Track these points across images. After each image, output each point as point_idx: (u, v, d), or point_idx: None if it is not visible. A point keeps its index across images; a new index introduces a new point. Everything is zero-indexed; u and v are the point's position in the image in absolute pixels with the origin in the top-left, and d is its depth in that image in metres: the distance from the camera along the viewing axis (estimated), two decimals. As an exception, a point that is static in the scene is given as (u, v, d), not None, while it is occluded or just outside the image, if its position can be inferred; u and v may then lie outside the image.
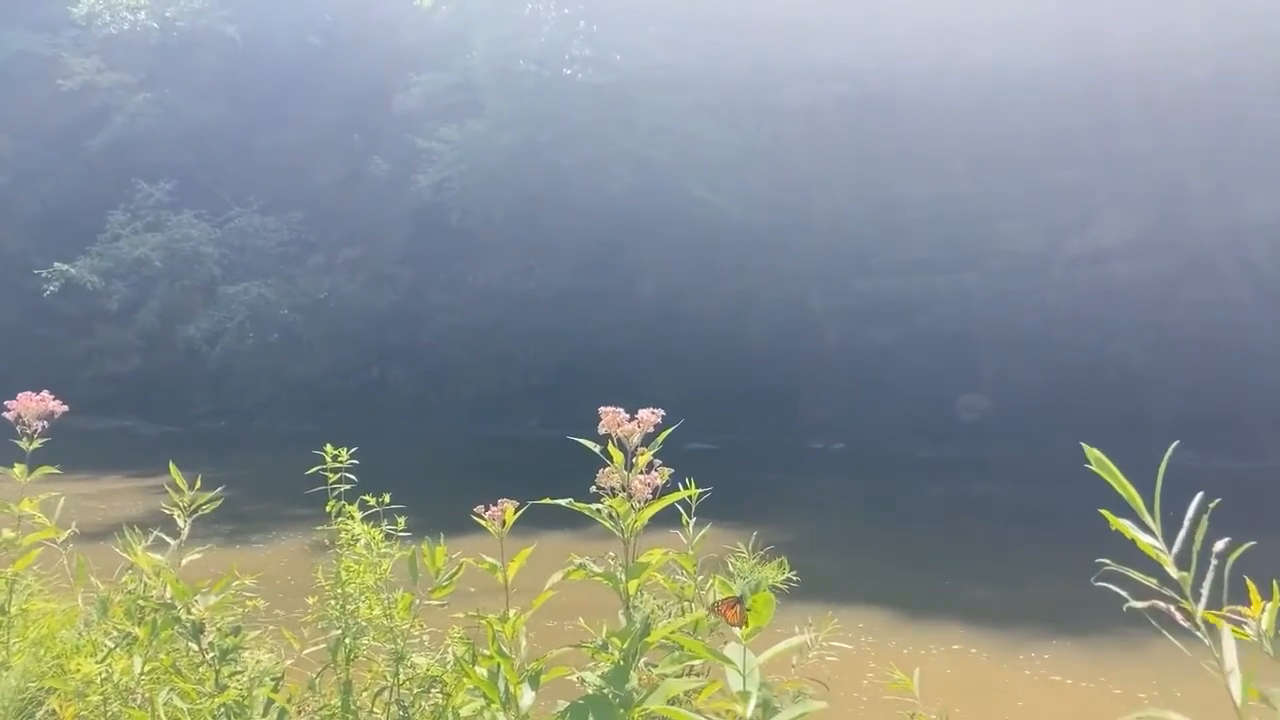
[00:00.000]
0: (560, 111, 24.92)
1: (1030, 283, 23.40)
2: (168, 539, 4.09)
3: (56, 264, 29.95)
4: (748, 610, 1.98)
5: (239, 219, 32.69)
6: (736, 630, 2.01)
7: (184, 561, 4.06)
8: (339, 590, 2.67)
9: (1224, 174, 20.99)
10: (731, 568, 3.46)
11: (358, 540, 2.70)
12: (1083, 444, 1.82)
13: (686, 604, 3.24)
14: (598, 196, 25.39)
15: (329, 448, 3.12)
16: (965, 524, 15.68)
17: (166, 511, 3.98)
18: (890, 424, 23.28)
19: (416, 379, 30.22)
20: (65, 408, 4.60)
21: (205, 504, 3.92)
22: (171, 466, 4.03)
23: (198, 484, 3.97)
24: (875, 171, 23.50)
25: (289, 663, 3.21)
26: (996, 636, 9.46)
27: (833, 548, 13.01)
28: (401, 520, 2.88)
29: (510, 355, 28.38)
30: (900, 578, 11.82)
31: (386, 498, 2.91)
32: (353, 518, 2.80)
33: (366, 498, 2.89)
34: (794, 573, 3.42)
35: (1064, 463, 17.20)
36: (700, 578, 3.35)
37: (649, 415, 2.43)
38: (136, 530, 4.17)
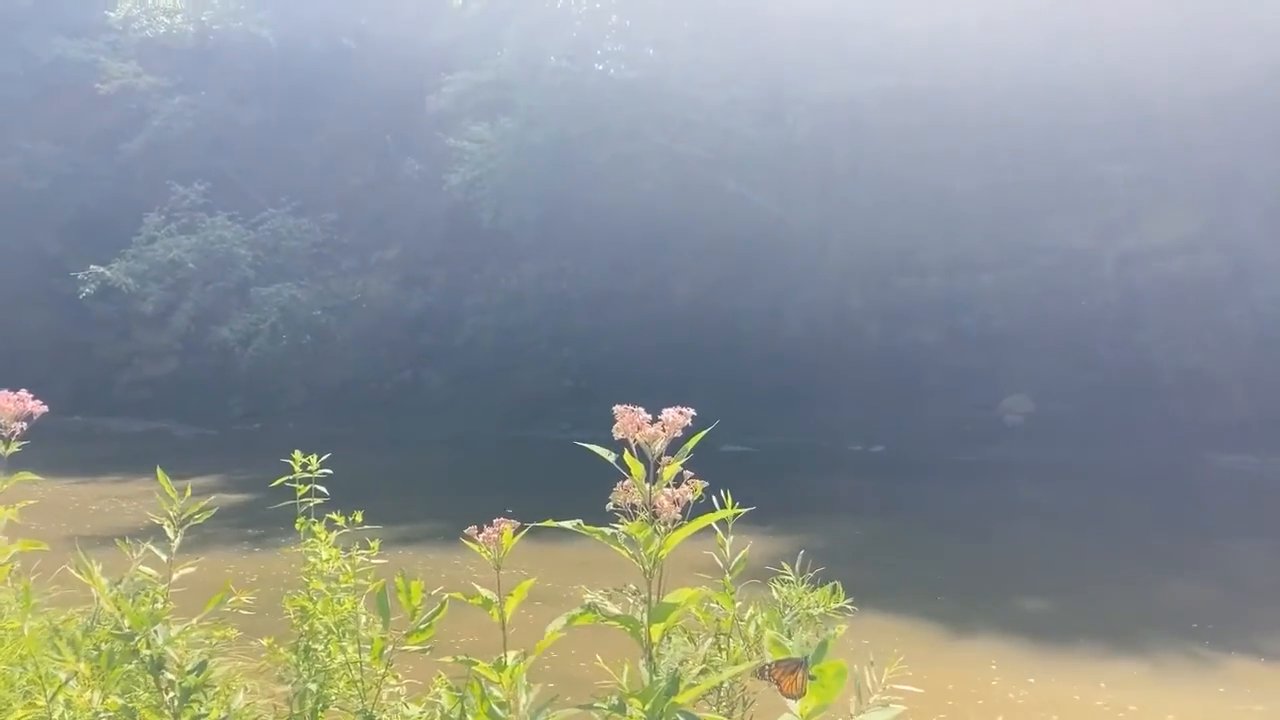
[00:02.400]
0: (592, 108, 24.52)
1: (1079, 280, 22.63)
2: (157, 552, 3.70)
3: (93, 266, 30.09)
4: (810, 679, 1.51)
5: (272, 220, 32.66)
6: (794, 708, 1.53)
7: (176, 575, 3.66)
8: (302, 629, 2.23)
9: (1276, 169, 20.10)
10: (776, 594, 2.97)
11: (325, 573, 2.25)
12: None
13: (723, 638, 2.77)
14: (631, 194, 24.95)
15: (297, 455, 2.68)
16: (1013, 530, 15.03)
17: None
18: (932, 426, 22.59)
19: (449, 381, 29.96)
20: (45, 408, 4.22)
21: (197, 514, 3.51)
22: (159, 473, 3.61)
23: (187, 491, 3.57)
24: (918, 166, 22.80)
25: (264, 702, 2.80)
26: (1061, 656, 8.85)
27: (874, 554, 12.44)
28: (375, 544, 2.42)
29: (543, 357, 28.04)
30: (951, 589, 11.22)
31: (358, 516, 2.46)
32: (319, 538, 2.35)
33: (334, 516, 2.44)
34: (850, 600, 2.93)
35: (1113, 467, 16.63)
36: (739, 604, 2.86)
37: (676, 416, 1.95)
38: (129, 540, 3.79)
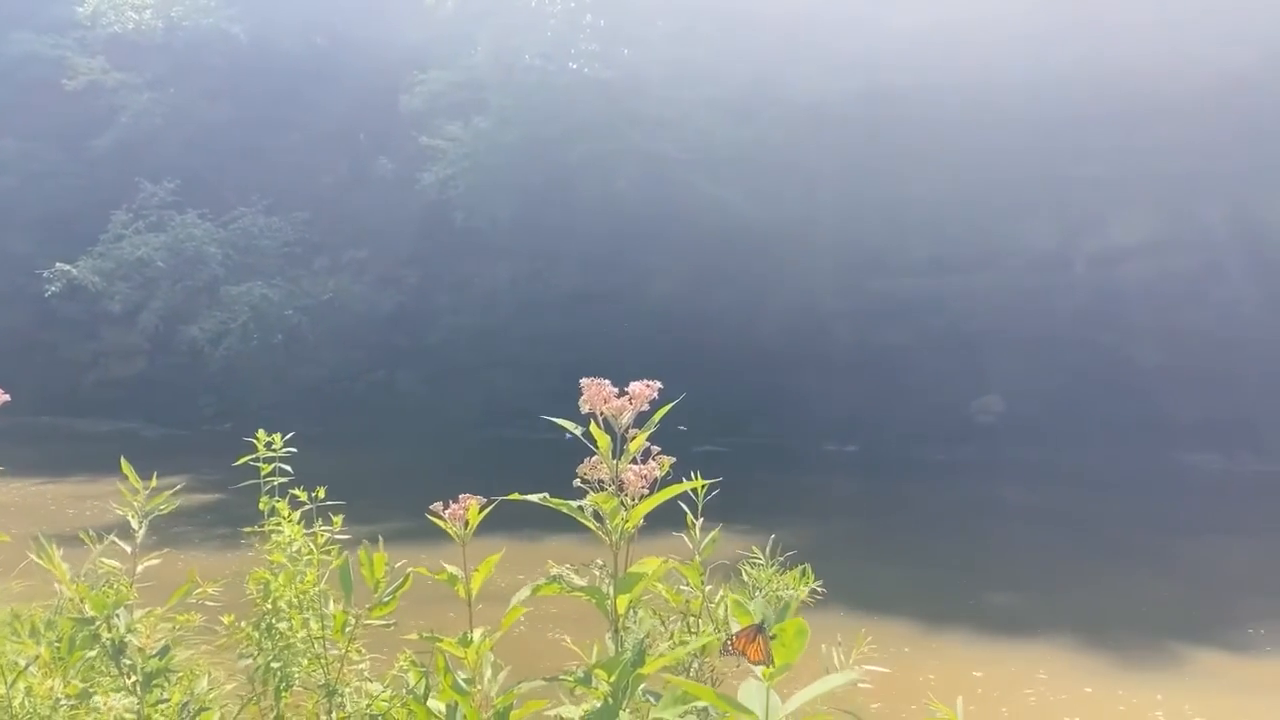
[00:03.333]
0: (566, 107, 24.47)
1: (1046, 282, 22.86)
2: (121, 543, 3.65)
3: (58, 264, 29.63)
4: (772, 639, 1.51)
5: (243, 219, 32.32)
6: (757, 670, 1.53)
7: (141, 567, 3.61)
8: (265, 607, 2.19)
9: (1242, 171, 20.42)
10: (746, 577, 2.97)
11: (288, 546, 2.22)
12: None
13: (693, 620, 2.76)
14: (605, 194, 24.92)
15: (261, 434, 2.65)
16: (984, 528, 15.16)
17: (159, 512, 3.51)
18: (904, 426, 22.76)
19: (422, 381, 29.80)
20: (6, 397, 4.15)
21: (160, 504, 3.47)
22: (123, 463, 3.57)
23: (152, 482, 3.52)
24: (889, 168, 22.96)
25: (229, 687, 2.76)
26: (1030, 650, 8.94)
27: (849, 553, 12.49)
28: (338, 520, 2.40)
29: (518, 357, 27.93)
30: (922, 585, 11.30)
31: (321, 492, 2.43)
32: (284, 518, 2.32)
33: (297, 493, 2.41)
34: (818, 581, 2.94)
35: (1081, 466, 16.84)
36: (709, 588, 2.87)
37: (643, 389, 1.94)
38: (93, 533, 3.74)
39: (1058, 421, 21.40)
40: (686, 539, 2.87)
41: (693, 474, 2.65)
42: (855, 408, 23.24)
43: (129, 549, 3.51)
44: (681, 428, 1.98)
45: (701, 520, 2.82)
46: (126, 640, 2.67)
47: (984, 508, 17.01)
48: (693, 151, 23.97)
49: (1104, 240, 22.68)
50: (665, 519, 2.80)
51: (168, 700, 2.54)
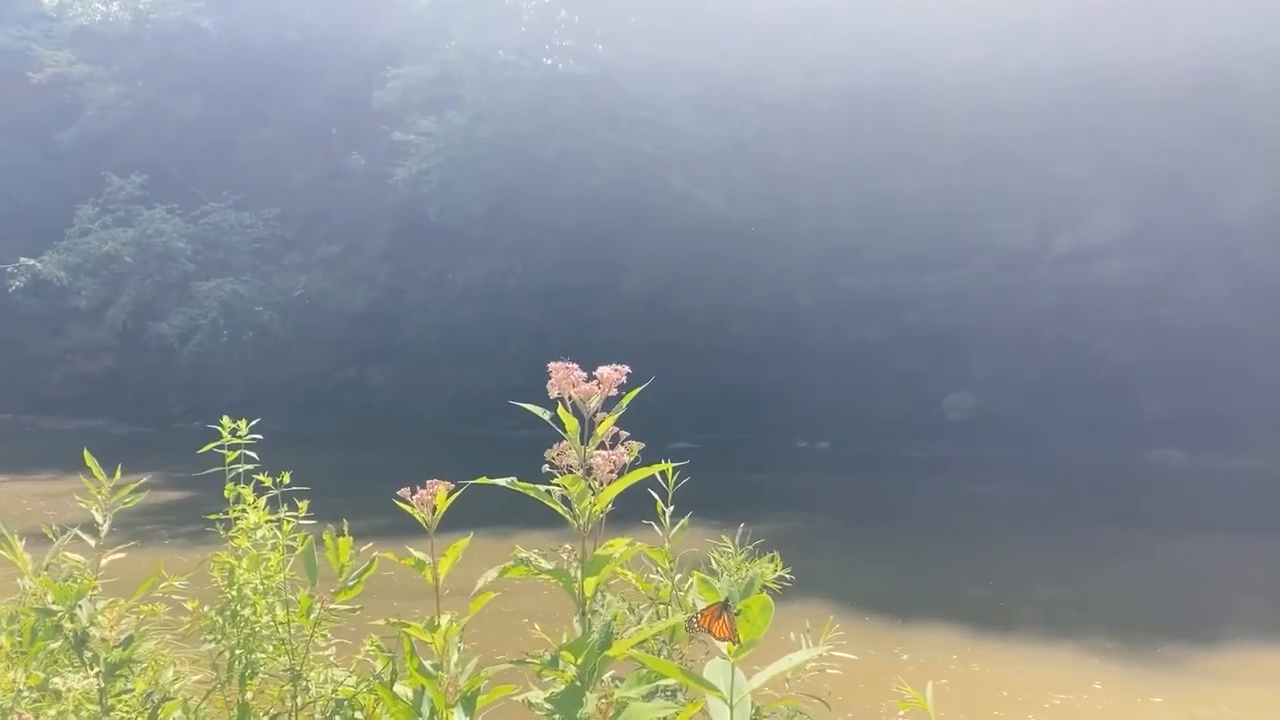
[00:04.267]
0: (541, 103, 24.39)
1: (1019, 280, 23.08)
2: (85, 537, 3.60)
3: (22, 259, 29.19)
4: (737, 615, 1.51)
5: (213, 214, 31.99)
6: (722, 647, 1.54)
7: (105, 561, 3.56)
8: (229, 593, 2.17)
9: (1214, 172, 20.70)
10: (716, 564, 2.98)
11: (253, 532, 2.20)
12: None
13: (662, 607, 2.77)
14: (580, 191, 24.88)
15: (226, 420, 2.62)
16: (954, 523, 15.29)
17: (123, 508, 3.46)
18: (877, 422, 22.90)
19: (394, 378, 29.64)
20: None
21: (126, 497, 3.42)
22: (86, 455, 3.52)
23: (116, 475, 3.47)
24: (865, 167, 23.09)
25: (195, 678, 2.73)
26: (999, 642, 9.03)
27: (819, 547, 12.56)
28: (304, 505, 2.38)
29: (491, 355, 27.83)
30: (893, 579, 11.39)
31: (286, 477, 2.41)
32: (249, 504, 2.30)
33: (262, 479, 2.39)
34: (787, 568, 2.95)
35: (1051, 462, 17.00)
36: (678, 577, 2.87)
37: (610, 373, 1.94)
38: (57, 528, 3.68)
39: (1029, 418, 21.62)
40: (656, 528, 2.88)
41: (668, 476, 2.67)
42: (829, 404, 23.37)
43: (93, 543, 3.46)
44: (640, 387, 1.97)
45: (672, 508, 2.83)
46: (89, 631, 2.64)
47: (955, 503, 17.16)
48: (668, 148, 23.99)
49: (1076, 238, 22.93)
50: (636, 511, 2.80)
51: (132, 691, 2.51)
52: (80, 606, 2.66)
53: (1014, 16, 21.16)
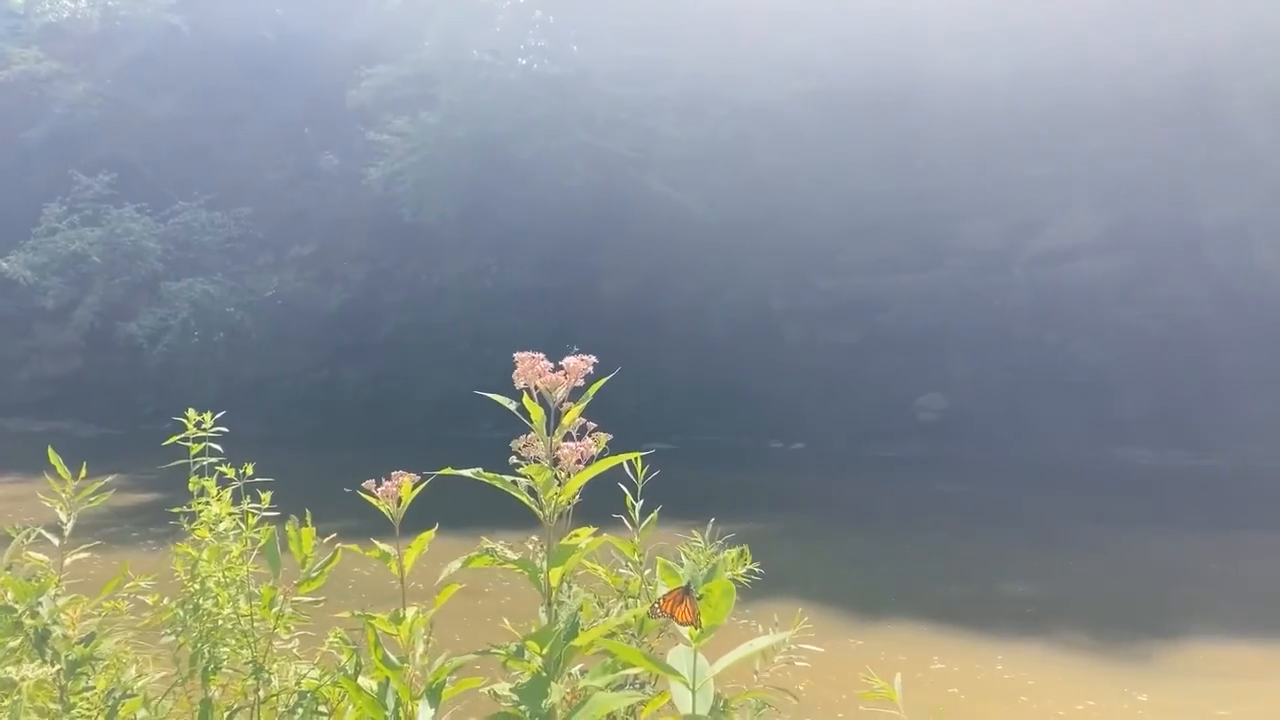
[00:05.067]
0: (516, 103, 24.33)
1: (992, 281, 23.29)
2: (49, 536, 3.55)
3: (-13, 258, 28.80)
4: (699, 600, 1.51)
5: (184, 214, 31.65)
6: (686, 631, 1.53)
7: (68, 561, 3.51)
8: (191, 587, 2.15)
9: (1182, 175, 20.98)
10: (684, 558, 2.98)
11: (215, 522, 2.17)
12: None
13: (630, 601, 2.76)
14: (556, 192, 24.83)
15: (191, 413, 2.59)
16: (926, 522, 15.40)
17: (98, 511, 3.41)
18: (850, 423, 23.03)
19: (368, 380, 29.43)
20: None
21: (90, 496, 3.37)
22: (51, 453, 3.47)
23: (82, 473, 3.42)
24: (840, 169, 23.22)
25: (159, 676, 2.70)
26: (969, 638, 9.10)
27: (791, 545, 12.61)
28: (266, 496, 2.36)
29: (466, 356, 27.69)
30: (864, 577, 11.46)
31: (249, 469, 2.39)
32: (212, 496, 2.28)
33: (225, 470, 2.36)
34: (756, 563, 2.96)
35: (1022, 461, 17.13)
36: (647, 571, 2.87)
37: (578, 363, 1.94)
38: (19, 526, 3.62)
39: (1000, 418, 21.81)
40: (626, 522, 2.88)
41: (636, 469, 2.67)
42: (803, 405, 23.48)
43: (57, 542, 3.41)
44: (607, 377, 1.96)
45: (642, 502, 2.82)
46: (50, 629, 2.60)
47: (927, 502, 17.29)
48: (644, 150, 24.01)
49: (1046, 242, 23.15)
50: (604, 506, 2.79)
51: (93, 689, 2.47)
52: (41, 603, 2.62)
53: (988, 22, 21.36)
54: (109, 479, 3.52)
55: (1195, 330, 20.88)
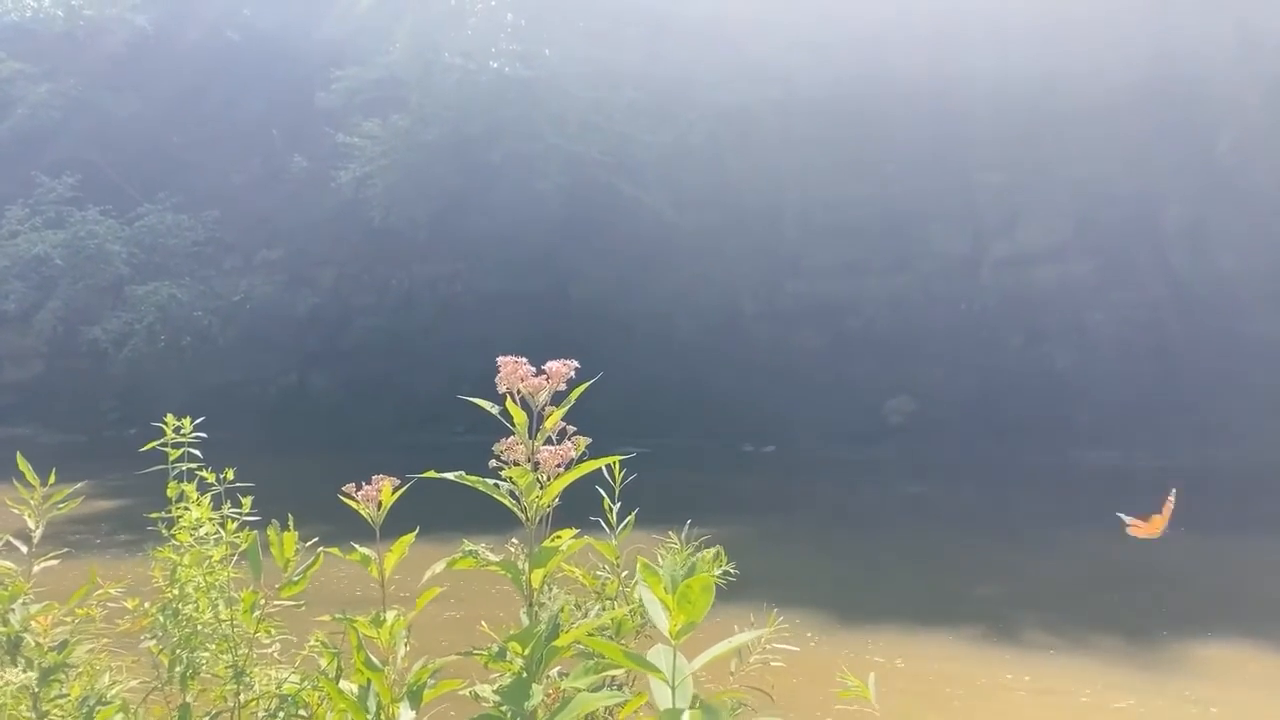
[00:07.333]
0: (487, 107, 24.27)
1: (958, 285, 23.55)
2: (17, 543, 3.51)
3: (-54, 262, 28.29)
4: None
5: (149, 217, 31.25)
6: (664, 630, 1.56)
7: (37, 568, 3.47)
8: (171, 591, 2.15)
9: (1144, 180, 21.34)
10: (661, 560, 3.02)
11: (195, 527, 2.17)
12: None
13: (609, 603, 2.79)
14: (527, 195, 24.80)
15: (170, 418, 2.59)
16: (895, 524, 15.54)
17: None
18: (821, 426, 23.16)
19: (337, 385, 29.20)
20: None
21: (60, 502, 3.35)
22: (20, 459, 3.43)
23: (51, 479, 3.39)
24: (809, 173, 23.41)
25: (134, 683, 2.68)
26: (939, 639, 9.21)
27: (763, 548, 12.67)
28: (247, 501, 2.36)
29: (435, 361, 27.57)
30: (836, 579, 11.55)
31: (230, 474, 2.39)
32: (192, 501, 2.28)
33: (205, 474, 2.36)
34: (731, 563, 2.99)
35: (988, 464, 17.30)
36: (625, 574, 2.91)
37: (560, 367, 1.97)
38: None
39: (967, 421, 22.03)
40: (604, 524, 2.90)
41: (614, 472, 2.70)
42: (774, 409, 23.58)
43: (25, 549, 3.38)
44: (588, 382, 1.99)
45: (619, 505, 2.85)
46: (23, 636, 2.58)
47: (897, 504, 17.45)
48: (613, 155, 24.04)
49: (1010, 246, 23.44)
50: (583, 510, 2.82)
51: (67, 695, 2.46)
52: (13, 611, 2.60)
53: (952, 29, 21.63)
54: (78, 485, 3.50)
55: (1159, 332, 21.22)
